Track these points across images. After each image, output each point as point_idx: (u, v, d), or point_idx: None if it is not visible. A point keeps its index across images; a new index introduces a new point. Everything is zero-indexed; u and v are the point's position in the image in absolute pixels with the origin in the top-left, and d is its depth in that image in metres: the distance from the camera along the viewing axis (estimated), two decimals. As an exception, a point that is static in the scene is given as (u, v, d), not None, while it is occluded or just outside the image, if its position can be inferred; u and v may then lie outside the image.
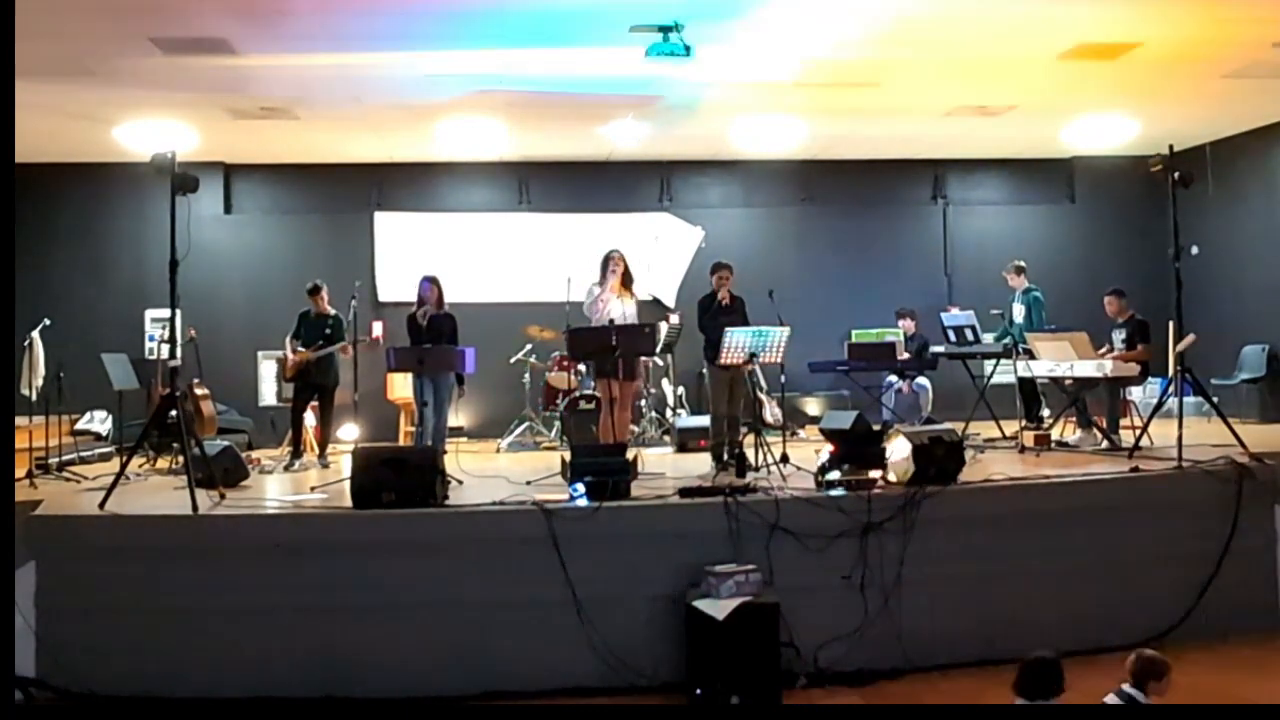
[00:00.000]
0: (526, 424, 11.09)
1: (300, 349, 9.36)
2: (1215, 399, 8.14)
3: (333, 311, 9.54)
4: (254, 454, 9.65)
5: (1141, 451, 7.52)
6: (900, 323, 11.19)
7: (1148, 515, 6.65)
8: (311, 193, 12.87)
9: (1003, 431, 9.50)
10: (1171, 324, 8.48)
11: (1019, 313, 10.02)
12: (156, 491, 7.41)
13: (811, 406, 12.16)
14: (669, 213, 13.06)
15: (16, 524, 5.83)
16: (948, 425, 7.50)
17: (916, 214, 13.52)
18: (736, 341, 7.78)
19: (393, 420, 11.58)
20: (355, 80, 9.28)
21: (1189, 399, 7.78)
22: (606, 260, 8.25)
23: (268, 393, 11.99)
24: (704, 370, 8.96)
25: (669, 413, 11.27)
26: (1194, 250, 12.01)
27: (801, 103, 10.36)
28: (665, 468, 8.28)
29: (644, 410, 11.06)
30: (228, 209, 12.68)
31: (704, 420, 9.29)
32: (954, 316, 10.15)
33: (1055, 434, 9.02)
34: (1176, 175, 7.58)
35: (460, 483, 7.25)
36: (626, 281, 8.24)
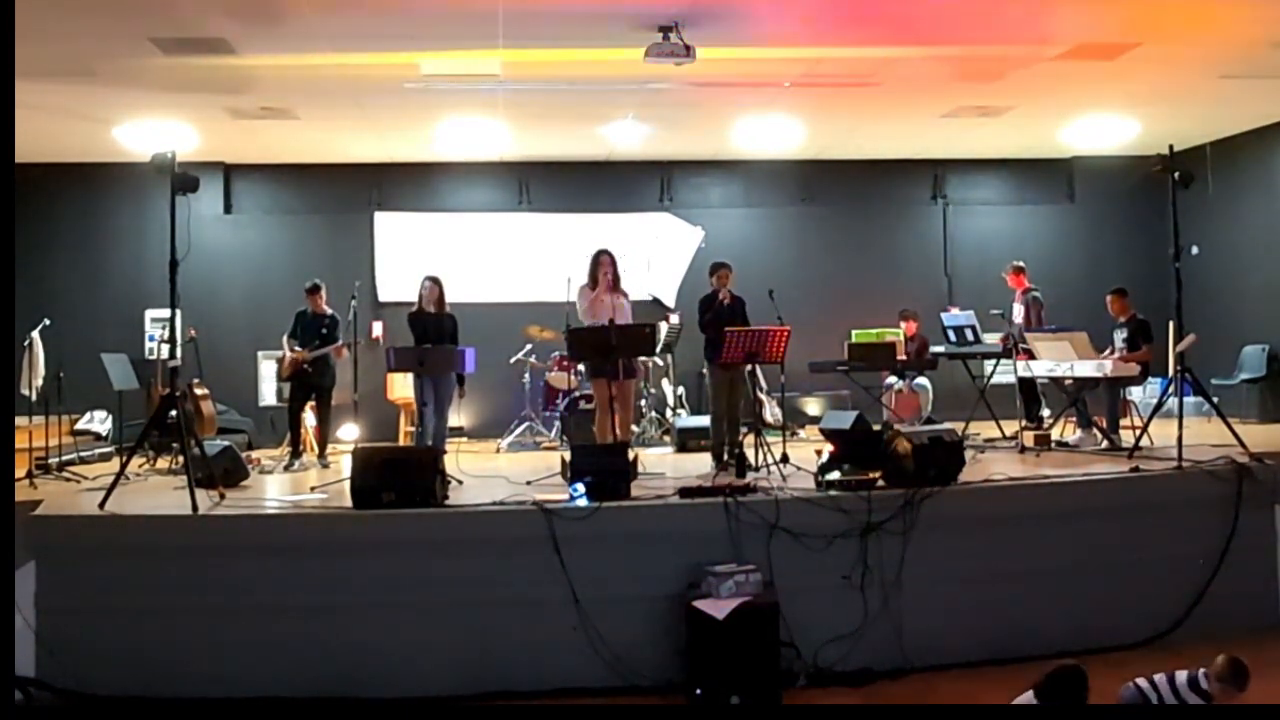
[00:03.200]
0: (526, 424, 11.09)
1: (297, 349, 9.36)
2: (1215, 399, 8.14)
3: (329, 311, 9.53)
4: (254, 454, 9.65)
5: (1141, 451, 7.51)
6: (903, 324, 11.20)
7: (1148, 515, 6.65)
8: (311, 193, 12.87)
9: (1003, 431, 9.50)
10: (1171, 324, 8.47)
11: (1018, 313, 10.02)
12: (156, 491, 7.40)
13: (811, 406, 12.17)
14: (669, 213, 13.06)
15: (16, 524, 5.83)
16: (948, 425, 7.50)
17: (916, 214, 13.52)
18: (736, 340, 7.77)
19: (393, 420, 11.58)
20: (355, 80, 9.28)
21: (1189, 399, 7.78)
22: (596, 262, 8.13)
23: (268, 393, 12.01)
24: (704, 370, 8.94)
25: (669, 413, 11.27)
26: (1194, 250, 12.02)
27: (801, 103, 10.36)
28: (665, 468, 8.29)
29: (644, 410, 11.07)
30: (228, 209, 12.68)
31: (704, 420, 9.28)
32: (954, 316, 10.15)
33: (1055, 434, 9.02)
34: (1176, 175, 7.58)
35: (460, 483, 7.25)
36: (616, 282, 8.18)
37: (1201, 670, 4.66)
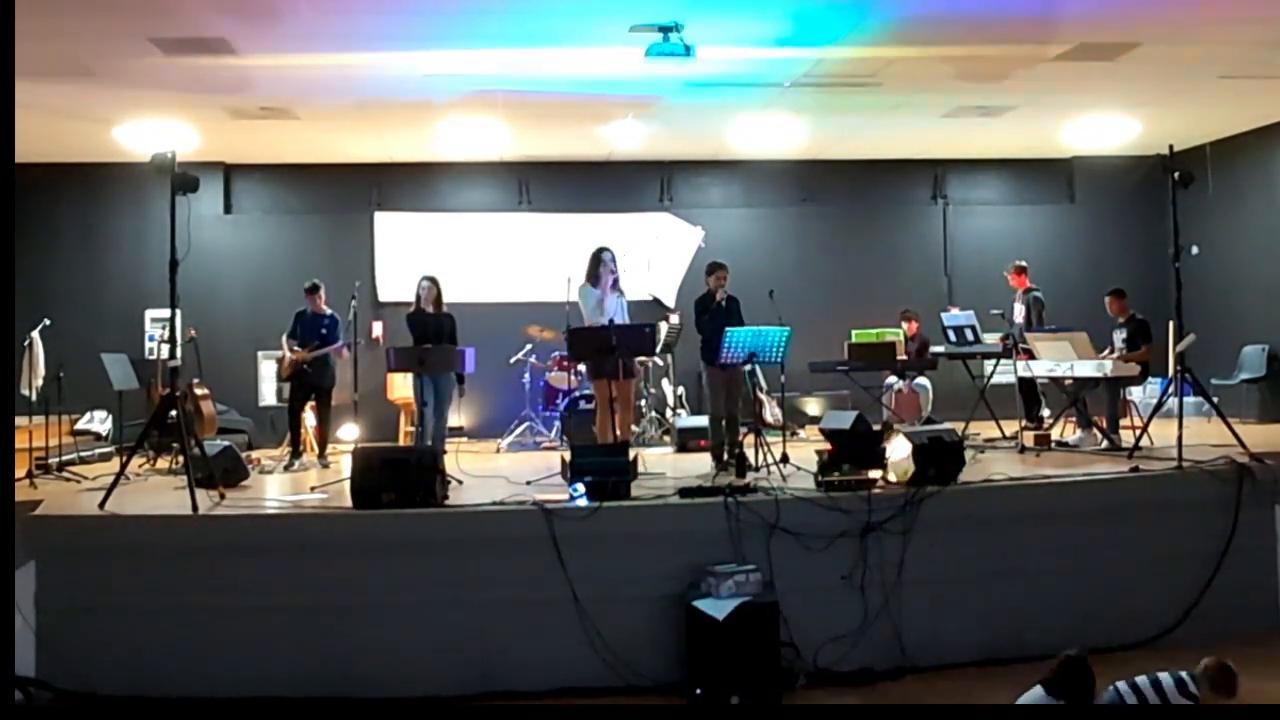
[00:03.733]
0: (526, 424, 11.09)
1: (296, 349, 9.35)
2: (1215, 399, 8.14)
3: (329, 311, 9.53)
4: (254, 454, 9.65)
5: (1141, 451, 7.52)
6: (904, 324, 11.21)
7: (1148, 515, 6.65)
8: (311, 193, 12.88)
9: (1003, 431, 9.50)
10: (1171, 324, 8.47)
11: (1019, 313, 10.03)
12: (156, 491, 7.41)
13: (811, 406, 12.16)
14: (669, 213, 13.06)
15: (16, 524, 5.83)
16: (948, 425, 7.50)
17: (916, 214, 13.53)
18: (737, 341, 7.77)
19: (393, 420, 11.59)
20: (355, 80, 9.28)
21: (1189, 399, 7.78)
22: (598, 260, 8.07)
23: (268, 393, 12.01)
24: (701, 370, 8.93)
25: (669, 413, 11.27)
26: (1194, 250, 12.02)
27: (801, 103, 10.36)
28: (665, 468, 8.28)
29: (644, 410, 11.06)
30: (228, 209, 12.68)
31: (704, 420, 9.28)
32: (954, 316, 10.16)
33: (1055, 434, 9.02)
34: (1176, 175, 7.58)
35: (460, 483, 7.25)
36: (616, 281, 8.16)
37: (1185, 672, 4.63)
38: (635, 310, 8.39)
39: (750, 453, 7.70)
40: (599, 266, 8.05)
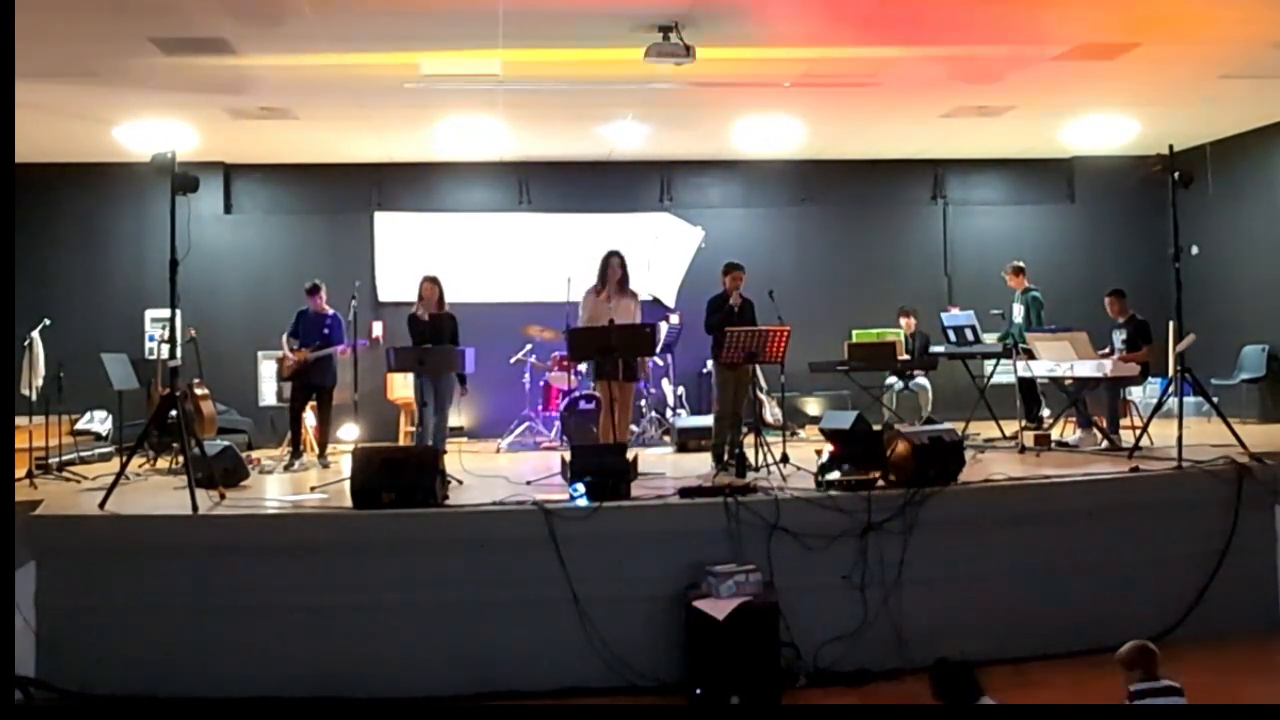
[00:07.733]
0: (526, 424, 11.10)
1: (298, 348, 9.35)
2: (1215, 399, 8.14)
3: (331, 311, 9.53)
4: (254, 454, 9.65)
5: (1141, 451, 7.52)
6: (903, 320, 11.21)
7: (1148, 515, 6.64)
8: (311, 193, 12.88)
9: (1003, 431, 9.50)
10: (1171, 324, 8.47)
11: (1018, 313, 10.03)
12: (156, 491, 7.40)
13: (811, 406, 12.17)
14: (669, 213, 13.06)
15: (16, 524, 5.83)
16: (948, 425, 7.50)
17: (916, 214, 13.53)
18: (736, 341, 7.78)
19: (393, 420, 11.59)
20: (355, 80, 9.29)
21: (1189, 399, 7.77)
22: (606, 264, 8.21)
23: (268, 393, 12.02)
24: (710, 369, 8.95)
25: (669, 413, 11.27)
26: (1194, 250, 12.03)
27: (801, 103, 10.36)
28: (665, 468, 8.29)
29: (644, 410, 11.06)
30: (228, 209, 12.69)
31: (704, 420, 9.28)
32: (954, 316, 10.15)
33: (1055, 434, 9.02)
34: (1176, 175, 7.58)
35: (460, 483, 7.25)
36: (624, 283, 8.22)
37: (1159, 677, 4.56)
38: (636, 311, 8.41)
39: (750, 453, 7.70)
40: (606, 270, 8.19)
